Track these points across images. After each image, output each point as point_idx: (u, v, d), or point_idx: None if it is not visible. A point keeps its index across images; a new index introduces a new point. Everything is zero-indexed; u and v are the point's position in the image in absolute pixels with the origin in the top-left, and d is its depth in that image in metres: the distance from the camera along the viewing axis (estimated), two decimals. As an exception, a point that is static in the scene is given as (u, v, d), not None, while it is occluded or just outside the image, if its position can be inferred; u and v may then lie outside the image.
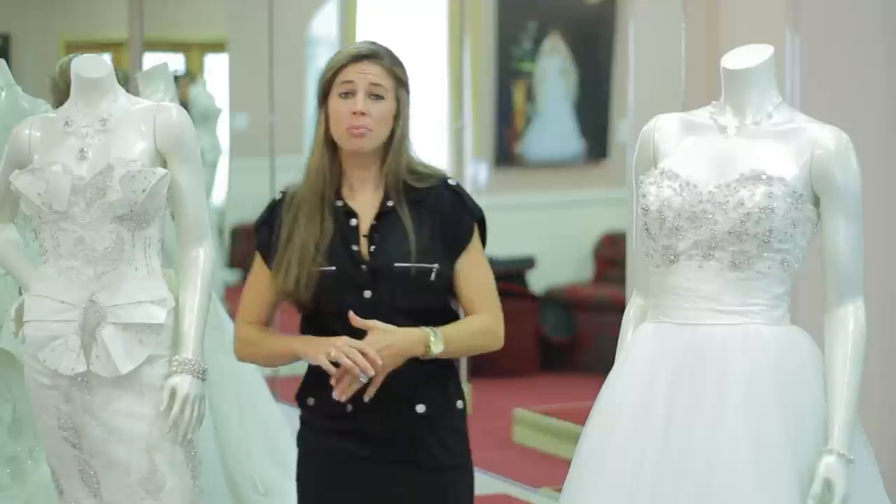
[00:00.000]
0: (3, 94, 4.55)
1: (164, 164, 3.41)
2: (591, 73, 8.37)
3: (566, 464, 3.02)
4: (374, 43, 3.20)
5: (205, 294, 3.42)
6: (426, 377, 3.12)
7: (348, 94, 3.11)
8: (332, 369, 3.04)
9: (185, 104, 8.86)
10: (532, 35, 8.41)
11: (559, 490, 3.04)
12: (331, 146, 3.16)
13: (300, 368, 3.32)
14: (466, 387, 6.63)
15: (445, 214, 3.15)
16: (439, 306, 3.17)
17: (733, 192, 2.84)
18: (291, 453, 5.41)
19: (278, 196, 3.23)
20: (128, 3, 8.70)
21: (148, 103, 3.53)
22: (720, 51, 3.49)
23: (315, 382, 3.19)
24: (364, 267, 3.10)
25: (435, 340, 3.09)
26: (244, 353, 3.29)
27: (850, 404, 2.81)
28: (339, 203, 3.15)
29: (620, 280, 5.44)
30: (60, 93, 4.59)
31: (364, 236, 3.13)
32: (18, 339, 3.52)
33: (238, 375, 5.10)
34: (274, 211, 3.22)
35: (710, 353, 2.85)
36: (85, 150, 3.40)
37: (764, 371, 2.82)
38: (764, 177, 2.84)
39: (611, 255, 8.16)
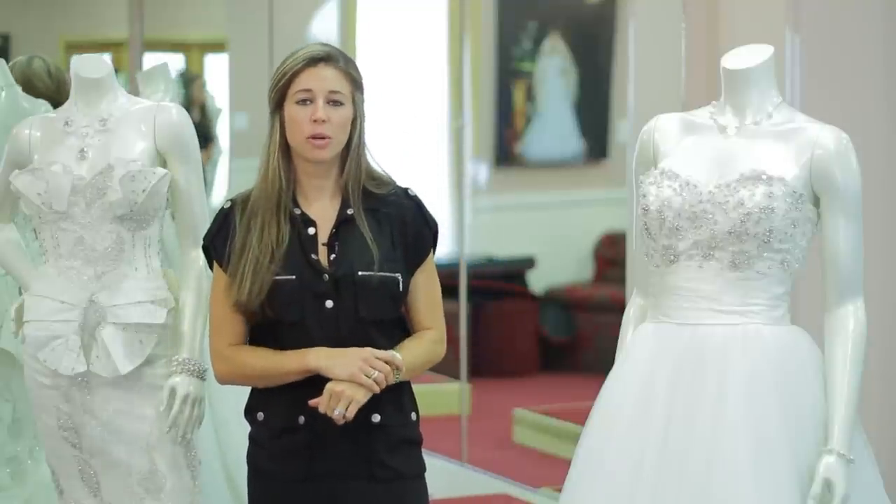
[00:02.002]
0: (3, 94, 4.55)
1: (164, 164, 3.41)
2: (591, 73, 8.37)
3: (566, 464, 3.01)
4: (326, 44, 3.11)
5: (205, 294, 3.42)
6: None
7: (306, 101, 3.02)
8: (374, 387, 2.95)
9: (201, 106, 8.87)
10: (532, 35, 8.41)
11: (559, 490, 3.04)
12: (286, 153, 3.07)
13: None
14: (466, 387, 6.64)
15: (406, 225, 3.08)
16: (397, 317, 3.09)
17: (733, 192, 2.85)
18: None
19: (226, 205, 3.11)
20: (128, 3, 8.71)
21: (148, 103, 3.53)
22: (720, 51, 3.49)
23: (263, 395, 3.10)
24: (326, 276, 3.01)
25: (397, 375, 3.01)
26: (230, 376, 3.10)
27: (850, 404, 2.81)
28: (297, 211, 3.06)
29: (620, 280, 5.44)
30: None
31: (323, 244, 3.05)
32: (18, 339, 3.52)
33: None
34: (226, 221, 3.09)
35: (710, 353, 2.85)
36: (85, 150, 3.40)
37: (764, 371, 2.82)
38: (764, 177, 2.84)
39: (611, 255, 8.15)
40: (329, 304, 3.01)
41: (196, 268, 3.45)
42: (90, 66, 3.47)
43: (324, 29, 8.04)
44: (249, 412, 3.15)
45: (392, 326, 3.07)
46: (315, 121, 3.00)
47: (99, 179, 3.34)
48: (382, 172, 3.13)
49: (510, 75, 8.47)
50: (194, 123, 3.51)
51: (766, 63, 2.95)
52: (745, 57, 2.95)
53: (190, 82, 9.21)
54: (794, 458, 2.78)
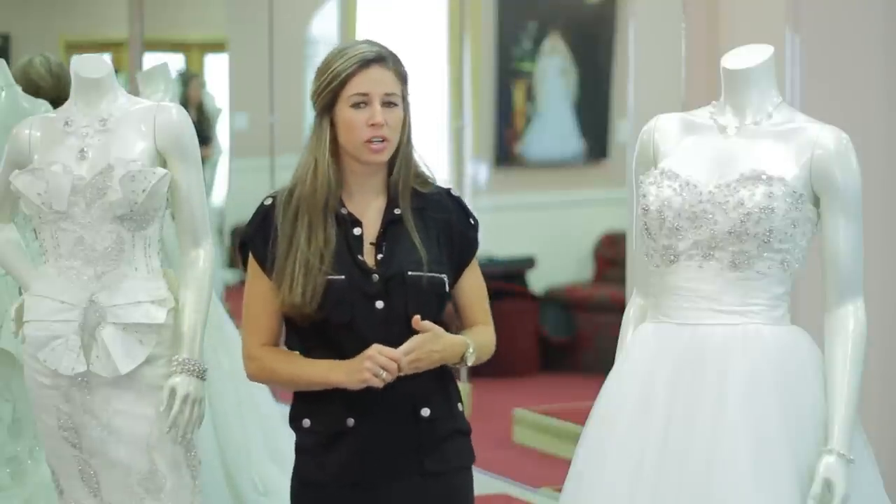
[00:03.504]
0: (3, 94, 4.56)
1: (164, 164, 3.41)
2: (591, 73, 8.37)
3: (566, 464, 3.01)
4: (374, 43, 3.07)
5: (205, 294, 3.42)
6: (429, 380, 3.03)
7: (362, 105, 2.99)
8: (380, 384, 2.94)
9: (198, 106, 8.87)
10: (532, 35, 8.42)
11: (559, 490, 3.04)
12: (334, 154, 3.04)
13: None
14: (466, 387, 6.65)
15: (451, 225, 3.08)
16: (442, 317, 3.08)
17: (733, 192, 2.84)
18: (291, 453, 5.43)
19: (267, 202, 3.08)
20: (128, 3, 8.71)
21: (148, 103, 3.53)
22: (720, 51, 3.49)
23: (308, 402, 3.08)
24: (376, 276, 2.99)
25: (470, 354, 3.03)
26: (260, 377, 3.11)
27: (850, 404, 2.81)
28: (344, 211, 3.03)
29: (620, 280, 5.45)
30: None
31: (371, 244, 3.02)
32: (18, 339, 3.52)
33: (238, 375, 5.08)
34: (267, 218, 3.06)
35: (709, 353, 2.85)
36: (85, 150, 3.40)
37: (764, 371, 2.82)
38: (764, 177, 2.84)
39: (611, 255, 8.16)
40: (380, 304, 3.00)
41: (196, 267, 3.44)
42: (90, 66, 3.46)
43: (324, 29, 8.05)
44: (294, 420, 3.12)
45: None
46: (373, 125, 2.98)
47: (99, 179, 3.34)
48: (427, 172, 3.12)
49: (510, 75, 8.47)
50: (191, 123, 3.51)
51: (766, 63, 2.94)
52: (745, 57, 2.95)
53: (187, 82, 9.21)
54: (794, 458, 2.78)
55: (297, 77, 8.58)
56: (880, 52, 4.50)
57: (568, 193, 8.50)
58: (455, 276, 3.09)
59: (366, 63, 3.00)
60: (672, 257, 2.90)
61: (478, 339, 3.09)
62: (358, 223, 3.04)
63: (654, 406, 2.86)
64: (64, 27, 10.08)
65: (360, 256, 3.02)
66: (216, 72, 9.30)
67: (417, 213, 3.06)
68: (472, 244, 3.13)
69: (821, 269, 2.91)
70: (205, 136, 8.61)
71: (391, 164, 3.07)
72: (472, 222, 3.14)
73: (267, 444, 5.17)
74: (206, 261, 3.44)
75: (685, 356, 2.86)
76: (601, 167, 8.46)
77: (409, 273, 3.00)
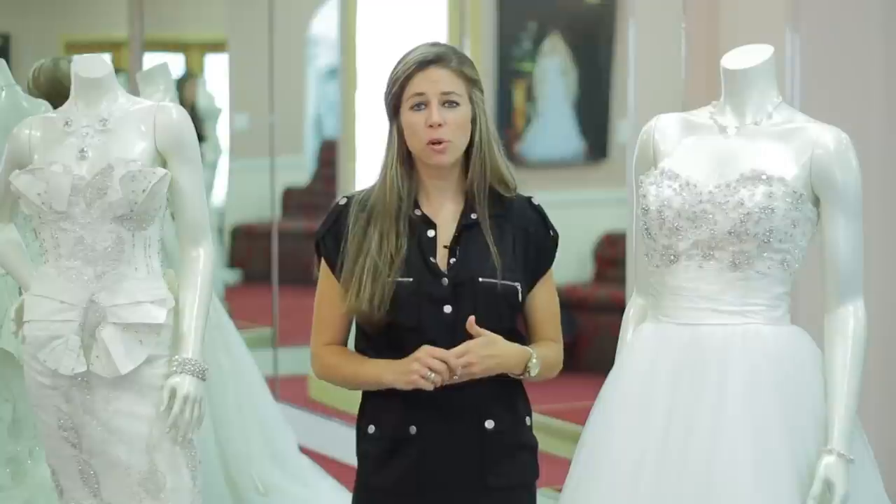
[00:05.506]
0: (3, 94, 4.55)
1: (164, 164, 3.41)
2: (591, 73, 8.36)
3: (566, 464, 3.01)
4: (436, 44, 3.04)
5: (205, 294, 3.42)
6: (495, 391, 3.00)
7: (420, 106, 2.96)
8: (429, 386, 2.91)
9: (191, 106, 8.87)
10: (532, 35, 8.41)
11: (559, 490, 3.04)
12: (406, 159, 3.01)
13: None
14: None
15: (529, 234, 3.05)
16: (512, 327, 3.05)
17: (733, 192, 2.85)
18: (291, 453, 5.42)
19: (341, 202, 3.05)
20: (128, 3, 8.71)
21: (148, 103, 3.53)
22: (720, 51, 3.49)
23: (373, 409, 3.06)
24: (445, 280, 2.97)
25: (534, 364, 3.00)
26: (322, 375, 3.09)
27: (850, 404, 2.81)
28: (418, 212, 3.00)
29: (620, 280, 5.44)
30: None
31: (445, 247, 2.99)
32: (18, 339, 3.52)
33: (238, 375, 5.10)
34: (339, 218, 3.04)
35: (709, 353, 2.85)
36: (85, 149, 3.40)
37: (764, 371, 2.82)
38: (764, 177, 2.84)
39: (611, 255, 8.14)
40: (447, 309, 2.98)
41: (196, 267, 3.44)
42: (90, 66, 3.46)
43: (324, 29, 8.05)
44: (360, 427, 3.10)
45: (505, 337, 3.02)
46: (431, 125, 2.96)
47: (99, 179, 3.34)
48: (510, 176, 3.07)
49: (510, 75, 8.47)
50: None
51: (766, 63, 2.95)
52: (745, 57, 2.95)
53: (183, 84, 9.21)
54: (794, 458, 2.78)
55: (297, 77, 8.58)
56: (880, 52, 4.50)
57: (568, 193, 8.48)
58: (528, 286, 3.07)
59: (423, 64, 2.98)
60: (672, 257, 2.91)
61: (542, 352, 3.06)
62: (432, 225, 3.02)
63: (654, 406, 2.86)
64: (64, 27, 10.09)
65: (431, 259, 2.99)
66: (216, 72, 9.29)
67: (496, 219, 3.03)
68: (549, 256, 3.11)
69: (821, 269, 2.91)
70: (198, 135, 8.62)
71: (467, 165, 3.03)
72: (552, 234, 3.11)
73: (267, 444, 5.17)
74: (206, 261, 3.44)
75: (685, 356, 2.87)
76: (601, 167, 8.45)
77: (481, 279, 2.98)
